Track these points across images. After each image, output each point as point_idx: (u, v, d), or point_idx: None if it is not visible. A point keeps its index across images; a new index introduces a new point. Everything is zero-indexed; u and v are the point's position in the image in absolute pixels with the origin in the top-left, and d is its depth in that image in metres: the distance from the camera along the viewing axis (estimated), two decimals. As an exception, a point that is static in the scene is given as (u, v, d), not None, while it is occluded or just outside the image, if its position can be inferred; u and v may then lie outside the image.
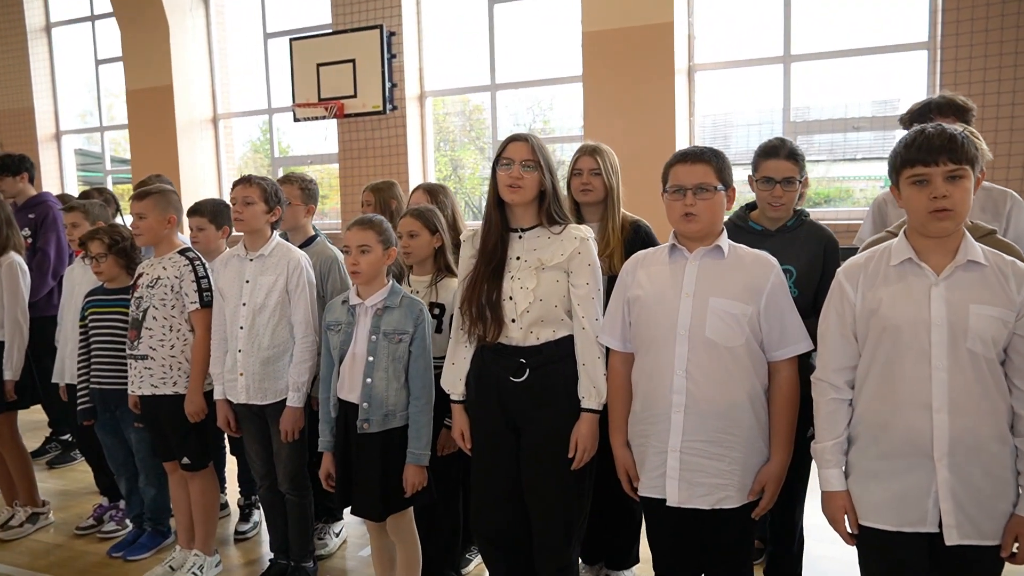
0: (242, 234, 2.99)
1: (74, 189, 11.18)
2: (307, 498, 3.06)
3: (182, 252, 3.12)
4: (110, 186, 11.10)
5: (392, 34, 8.22)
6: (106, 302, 3.34)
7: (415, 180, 8.41)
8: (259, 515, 3.76)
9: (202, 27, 9.80)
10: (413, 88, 8.55)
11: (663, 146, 7.26)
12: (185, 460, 3.12)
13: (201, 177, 9.68)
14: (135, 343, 3.06)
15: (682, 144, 7.39)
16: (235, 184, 2.91)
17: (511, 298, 2.31)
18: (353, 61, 8.16)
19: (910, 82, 7.00)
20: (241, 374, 2.90)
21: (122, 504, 3.79)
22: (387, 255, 2.53)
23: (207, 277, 3.08)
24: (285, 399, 2.90)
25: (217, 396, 3.00)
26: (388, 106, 8.15)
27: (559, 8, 8.12)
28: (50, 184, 10.81)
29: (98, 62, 10.70)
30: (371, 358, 2.48)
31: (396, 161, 8.55)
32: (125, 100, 9.93)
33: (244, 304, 2.89)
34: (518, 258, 2.35)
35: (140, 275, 3.14)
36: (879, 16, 7.15)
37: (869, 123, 6.98)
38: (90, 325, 3.35)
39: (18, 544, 3.67)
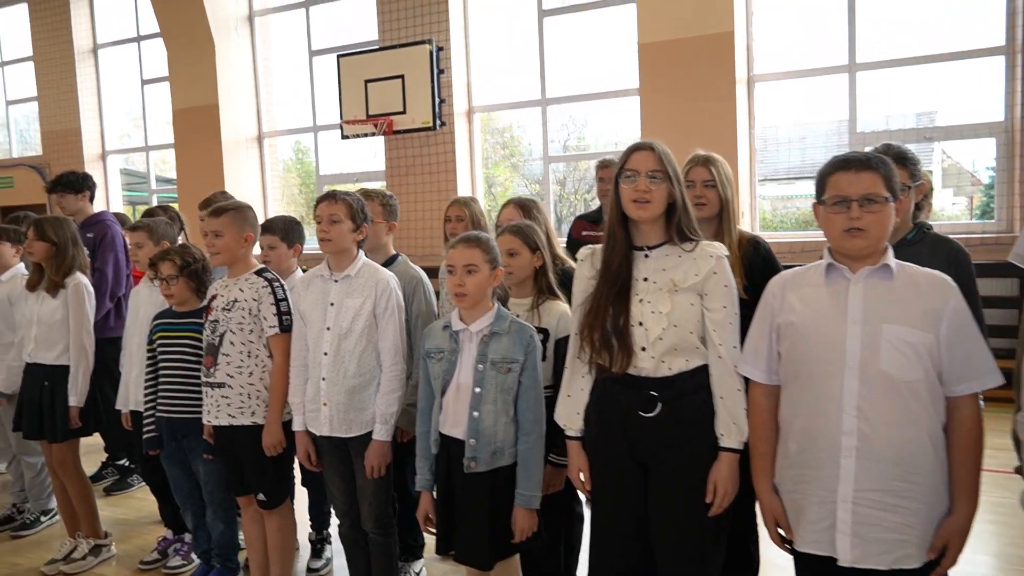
0: (319, 253, 2.79)
1: (119, 208, 11.20)
2: (392, 537, 2.83)
3: (259, 272, 2.93)
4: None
5: (440, 49, 8.09)
6: (175, 326, 3.16)
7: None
8: (331, 551, 3.55)
9: (247, 45, 9.77)
10: (461, 103, 8.40)
11: (724, 159, 7.01)
12: (261, 496, 2.92)
13: (246, 196, 9.58)
14: (211, 370, 2.87)
15: (743, 158, 7.13)
16: (320, 201, 2.72)
17: (641, 324, 2.08)
18: (402, 77, 8.04)
19: (960, 91, 6.70)
20: (324, 404, 2.69)
21: (187, 537, 3.60)
22: (494, 276, 2.31)
23: (286, 299, 2.89)
24: (371, 432, 2.69)
25: (297, 427, 2.80)
26: (437, 122, 8.00)
27: (611, 20, 7.94)
28: (98, 205, 10.81)
29: (143, 82, 10.73)
30: (478, 389, 2.26)
31: (445, 178, 8.40)
32: (172, 120, 9.92)
33: (328, 328, 2.69)
34: (645, 279, 2.13)
35: (214, 297, 2.95)
36: (950, 21, 6.87)
37: (944, 133, 6.66)
38: (158, 350, 3.18)
39: (81, 579, 3.49)
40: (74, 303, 3.46)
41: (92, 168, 10.96)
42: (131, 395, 3.35)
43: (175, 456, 3.23)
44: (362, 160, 9.67)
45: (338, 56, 8.41)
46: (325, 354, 2.68)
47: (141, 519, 4.23)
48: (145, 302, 3.36)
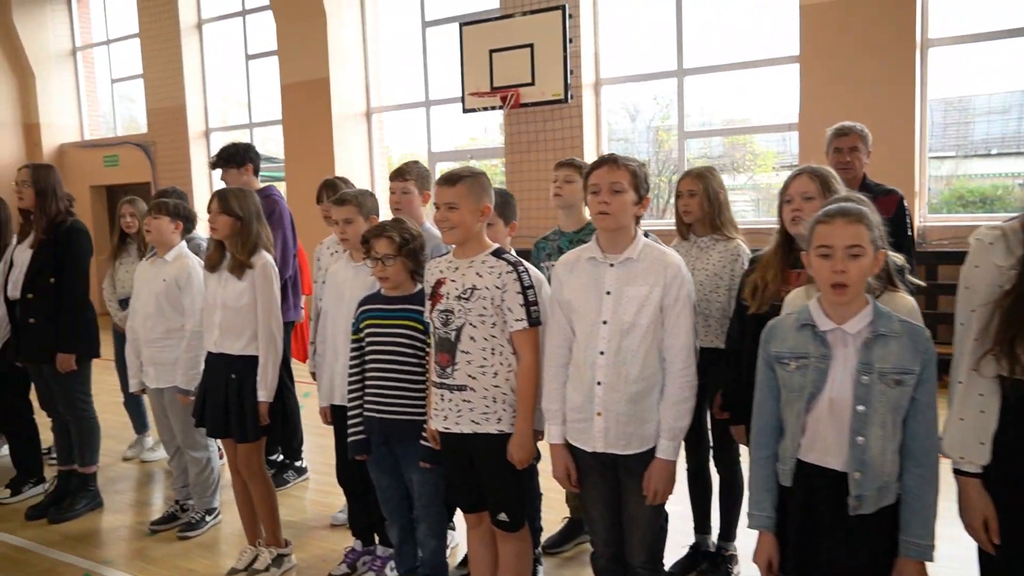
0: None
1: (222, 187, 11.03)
2: (663, 573, 2.37)
3: (497, 254, 2.47)
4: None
5: (570, 16, 7.54)
6: (387, 312, 2.75)
7: (590, 175, 7.71)
8: (542, 572, 3.12)
9: (358, 17, 9.40)
10: (589, 75, 7.86)
11: (898, 133, 6.30)
12: (503, 516, 2.48)
13: (356, 175, 9.27)
14: (448, 370, 2.43)
15: (920, 129, 6.41)
16: (596, 166, 2.24)
17: None
18: (531, 46, 7.53)
19: None
20: (599, 414, 2.22)
21: (378, 550, 3.22)
22: (876, 261, 1.80)
23: (533, 287, 2.43)
24: (651, 449, 2.22)
25: (554, 440, 2.35)
26: (568, 94, 7.48)
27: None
28: (201, 185, 10.68)
29: (248, 57, 10.50)
30: (861, 407, 1.75)
31: (571, 155, 7.82)
32: (280, 95, 9.64)
33: (605, 323, 2.22)
34: None
35: (440, 282, 2.50)
36: None
37: None
38: (366, 340, 2.77)
39: (267, 593, 3.15)
40: (262, 285, 3.08)
41: (196, 146, 10.84)
42: (336, 388, 2.96)
43: (385, 462, 2.82)
44: (446, 138, 9.28)
45: (460, 25, 7.94)
46: (601, 353, 2.21)
47: (307, 522, 3.89)
48: (350, 283, 2.96)
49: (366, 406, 2.77)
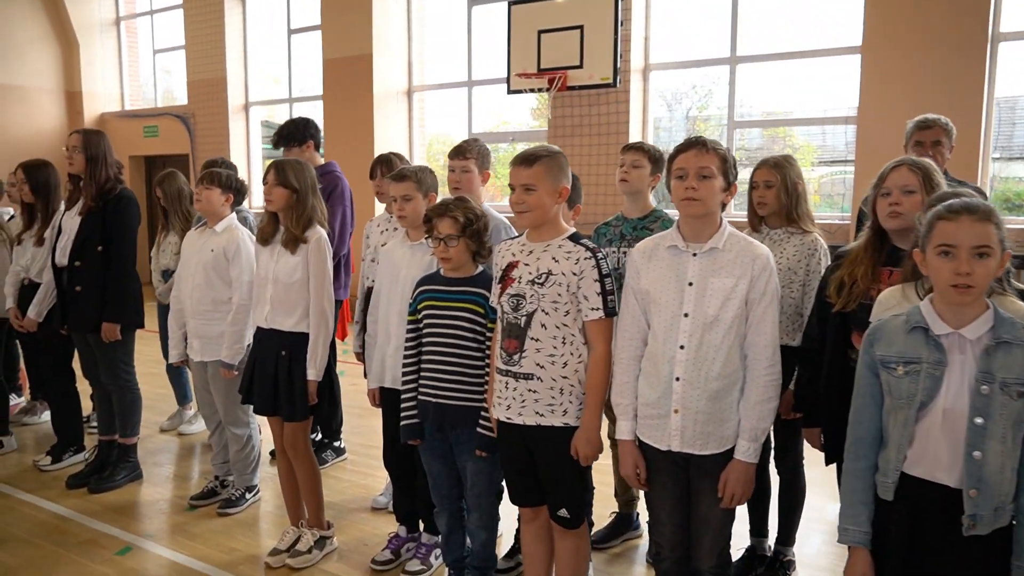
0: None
1: (259, 162, 11.03)
2: (730, 580, 2.26)
3: (574, 239, 2.35)
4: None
5: (621, -2, 7.35)
6: (448, 295, 2.64)
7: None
8: (592, 568, 3.02)
9: (403, -7, 9.27)
10: (638, 60, 7.68)
11: (963, 131, 6.00)
12: (563, 512, 2.38)
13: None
14: (515, 357, 2.33)
15: (985, 128, 6.15)
16: (682, 149, 2.11)
17: None
18: (581, 27, 7.36)
19: None
20: (676, 411, 2.10)
21: (423, 538, 3.14)
22: (1001, 264, 1.65)
23: (610, 275, 2.31)
24: (728, 450, 2.10)
25: (623, 436, 2.23)
26: (617, 78, 7.31)
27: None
28: (238, 155, 10.67)
29: (291, 32, 10.43)
30: (979, 420, 1.61)
31: (616, 140, 7.70)
32: (321, 70, 9.56)
33: (687, 315, 2.09)
34: None
35: (512, 265, 2.38)
36: None
37: None
38: (424, 323, 2.67)
39: (309, 575, 3.08)
40: (316, 261, 2.99)
41: (235, 119, 10.81)
42: (387, 370, 2.87)
43: (438, 448, 2.72)
44: (477, 119, 9.09)
45: (509, 4, 7.78)
46: (681, 347, 2.09)
47: (347, 504, 3.81)
48: (407, 262, 2.85)
49: (421, 390, 2.67)
